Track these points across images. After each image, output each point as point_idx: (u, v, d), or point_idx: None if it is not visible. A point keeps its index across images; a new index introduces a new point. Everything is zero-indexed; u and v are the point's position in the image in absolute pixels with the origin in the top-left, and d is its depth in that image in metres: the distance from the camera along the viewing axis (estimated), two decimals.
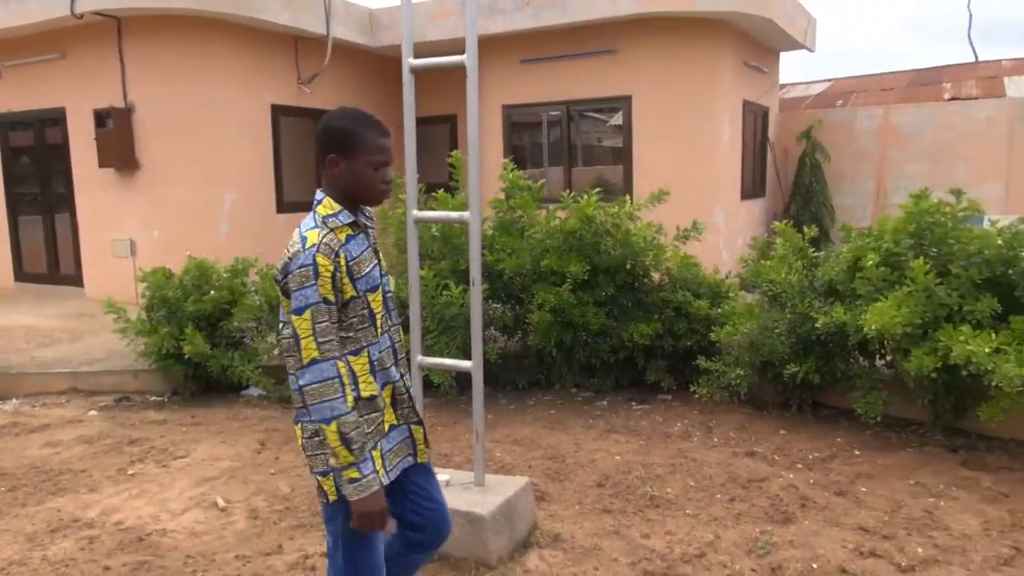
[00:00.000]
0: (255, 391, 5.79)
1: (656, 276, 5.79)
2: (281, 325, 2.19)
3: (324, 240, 2.06)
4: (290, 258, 2.06)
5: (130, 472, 4.33)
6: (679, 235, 5.71)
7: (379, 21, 10.52)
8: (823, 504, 3.70)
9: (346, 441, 2.01)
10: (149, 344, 5.68)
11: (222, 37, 8.87)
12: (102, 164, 8.70)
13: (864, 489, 3.88)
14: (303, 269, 2.02)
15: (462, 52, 3.11)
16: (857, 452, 4.39)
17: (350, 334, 2.12)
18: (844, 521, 3.52)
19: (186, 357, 5.51)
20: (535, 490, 3.85)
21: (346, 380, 2.04)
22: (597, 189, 5.59)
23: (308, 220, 2.14)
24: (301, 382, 2.03)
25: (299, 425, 2.18)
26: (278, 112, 9.66)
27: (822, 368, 4.76)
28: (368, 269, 2.16)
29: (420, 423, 2.35)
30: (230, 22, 8.79)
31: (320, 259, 2.02)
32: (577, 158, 10.68)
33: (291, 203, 9.87)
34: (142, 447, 4.73)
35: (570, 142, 10.47)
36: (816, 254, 5.12)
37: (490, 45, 10.09)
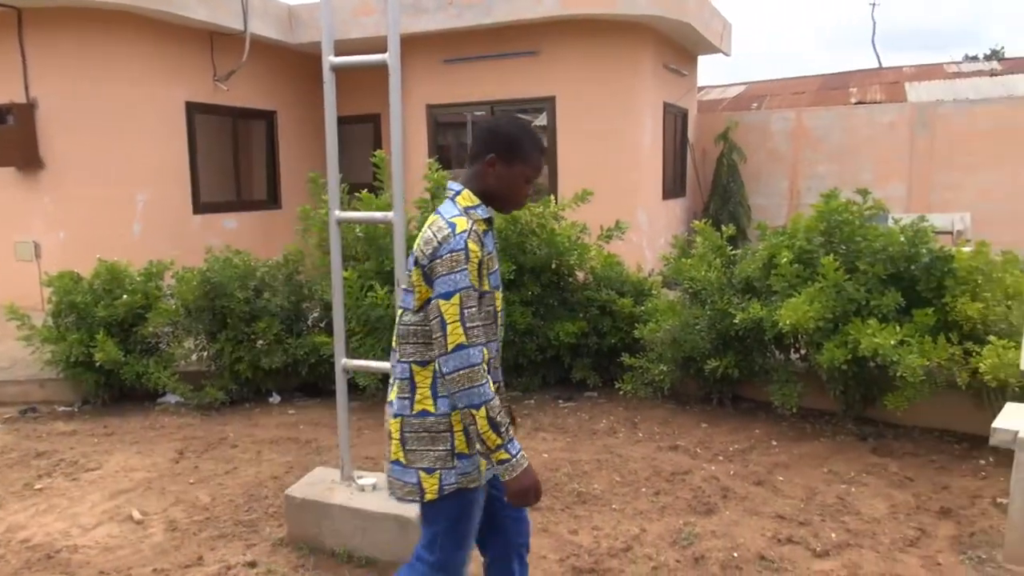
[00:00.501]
0: (172, 398, 5.59)
1: (581, 275, 5.86)
2: (400, 312, 2.16)
3: (472, 228, 2.05)
4: (439, 242, 2.02)
5: (37, 487, 4.12)
6: (603, 234, 5.80)
7: (299, 18, 10.30)
8: (743, 494, 3.82)
9: (494, 425, 2.00)
10: (56, 352, 5.43)
11: (133, 31, 8.52)
12: (1, 163, 8.24)
13: (781, 478, 4.02)
14: (455, 253, 2.00)
15: (385, 51, 3.08)
16: (774, 443, 4.55)
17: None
18: (763, 510, 3.64)
19: (97, 365, 5.28)
20: None
21: (483, 369, 2.00)
22: None
23: (449, 208, 2.12)
24: (446, 369, 1.99)
25: (398, 419, 2.15)
26: (193, 110, 9.34)
27: (741, 362, 4.91)
28: (495, 267, 2.19)
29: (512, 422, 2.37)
30: (142, 15, 8.45)
31: (471, 245, 2.02)
32: None
33: (208, 204, 9.57)
34: (50, 460, 4.51)
35: None
36: (734, 252, 5.28)
37: (413, 44, 10.01)
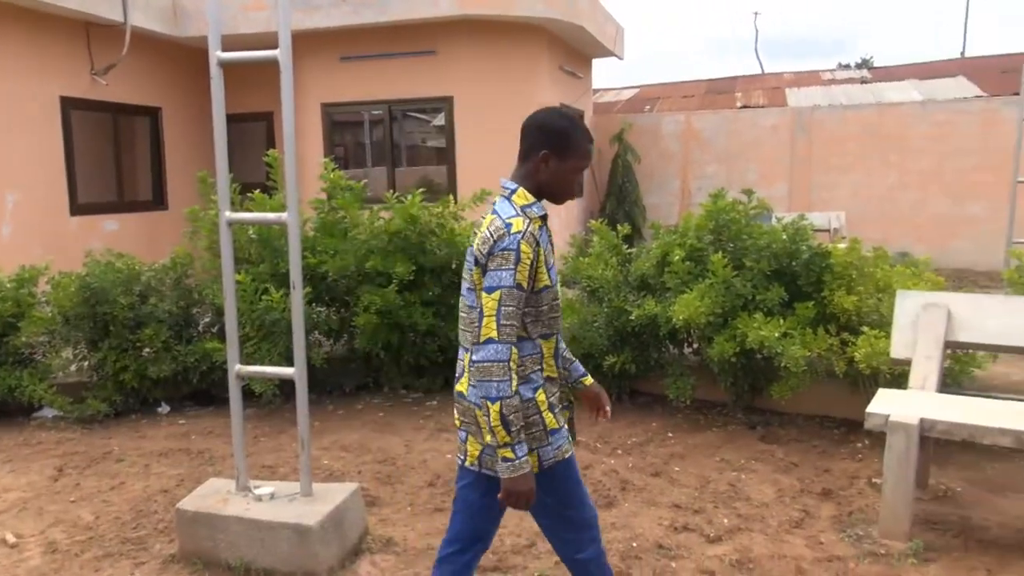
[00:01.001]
0: (50, 412, 5.25)
1: None
2: (473, 311, 2.18)
3: (529, 229, 2.09)
4: (496, 239, 2.08)
5: None
6: None
7: (184, 10, 9.88)
8: (641, 486, 3.93)
9: (506, 423, 2.03)
10: None
11: None
12: None
13: (677, 469, 4.16)
14: (506, 252, 2.06)
15: (276, 47, 3.00)
16: (670, 435, 4.70)
17: (543, 320, 2.19)
18: (660, 500, 3.76)
19: None
20: (365, 495, 3.78)
21: (513, 367, 2.05)
22: (421, 189, 5.59)
23: (505, 207, 2.16)
24: (474, 357, 2.06)
25: (462, 402, 2.23)
26: (69, 105, 8.81)
27: (637, 358, 5.05)
28: (552, 261, 2.22)
29: (571, 407, 2.43)
30: (8, 3, 7.89)
31: (524, 247, 2.07)
32: (401, 158, 10.63)
33: (87, 205, 9.05)
34: None
35: (393, 142, 10.39)
36: (630, 251, 5.42)
37: (307, 41, 9.79)
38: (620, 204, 12.32)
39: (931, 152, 11.53)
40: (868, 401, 3.47)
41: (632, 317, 4.79)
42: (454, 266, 5.61)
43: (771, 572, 3.06)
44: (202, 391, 5.52)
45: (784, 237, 4.73)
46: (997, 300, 3.89)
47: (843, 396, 4.65)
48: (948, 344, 3.88)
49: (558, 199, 2.27)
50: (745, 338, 4.34)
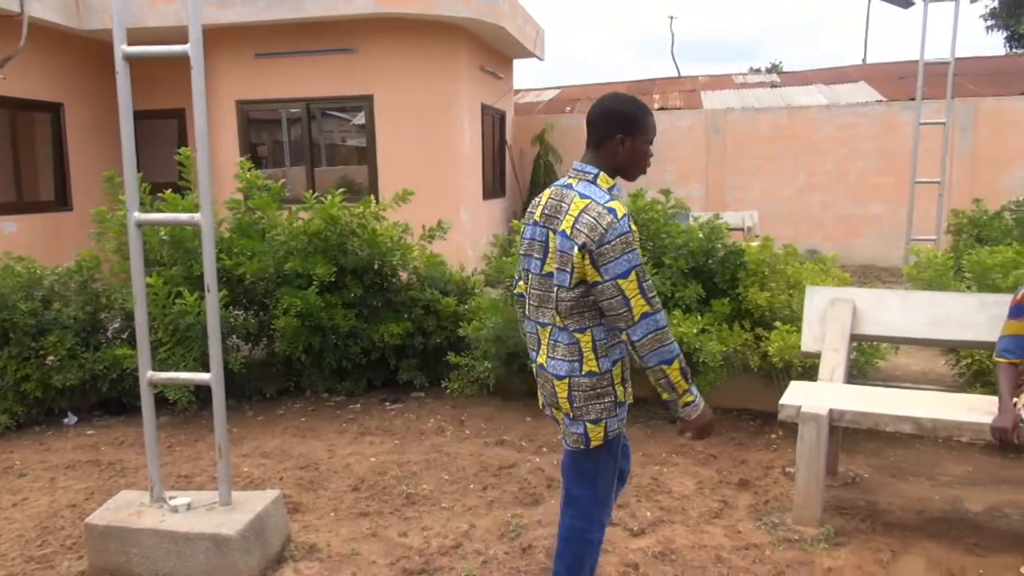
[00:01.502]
0: None
1: (404, 275, 5.83)
2: (561, 290, 2.31)
3: (627, 209, 2.27)
4: (605, 228, 2.19)
5: None
6: (425, 234, 5.80)
7: (87, 1, 9.43)
8: None
9: (684, 374, 2.28)
10: None
11: None
12: None
13: None
14: (624, 236, 2.21)
15: (187, 41, 2.89)
16: None
17: None
18: None
19: None
20: (288, 502, 3.70)
21: (670, 329, 2.26)
22: (341, 189, 5.50)
23: (595, 191, 2.29)
24: (635, 336, 2.22)
25: (564, 380, 2.37)
26: None
27: None
28: None
29: None
30: None
31: (632, 226, 2.25)
32: (320, 157, 10.44)
33: None
34: None
35: (312, 141, 10.19)
36: None
37: (220, 36, 9.51)
38: None
39: (836, 154, 12.06)
40: (782, 393, 3.60)
41: None
42: (376, 267, 5.54)
43: (692, 562, 3.14)
44: (112, 400, 5.28)
45: (701, 236, 4.86)
46: (897, 295, 4.10)
47: (758, 389, 4.81)
48: (854, 337, 4.07)
49: (633, 175, 2.45)
50: None
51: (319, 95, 9.92)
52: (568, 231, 2.26)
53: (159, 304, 4.78)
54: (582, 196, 2.28)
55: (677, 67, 38.53)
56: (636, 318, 2.21)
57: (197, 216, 3.04)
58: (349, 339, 5.41)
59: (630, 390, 2.45)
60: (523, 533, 3.41)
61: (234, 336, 5.41)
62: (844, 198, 12.11)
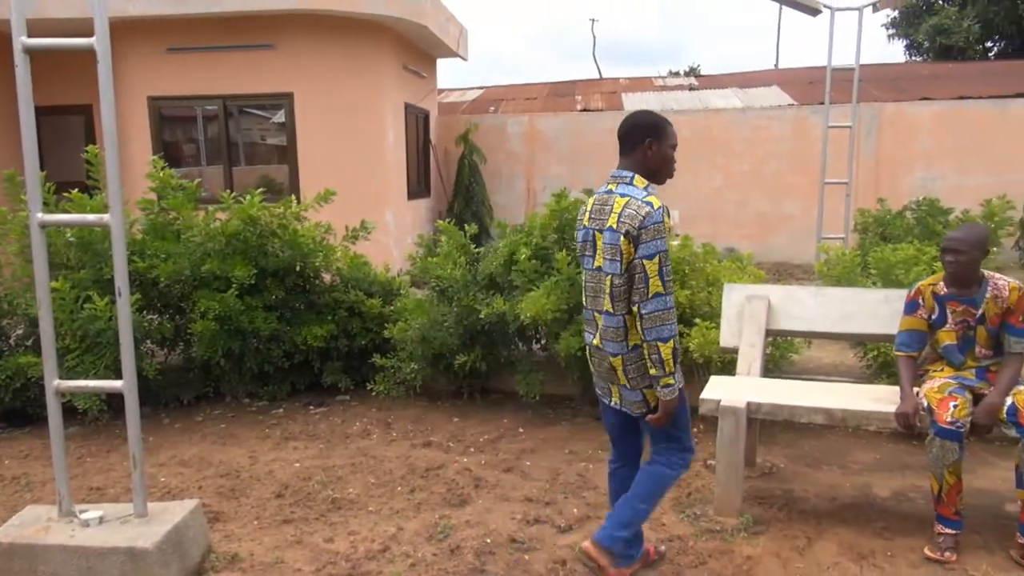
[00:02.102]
0: None
1: (327, 277, 5.73)
2: (614, 278, 2.67)
3: (662, 205, 2.62)
4: (643, 216, 2.59)
5: None
6: (348, 235, 5.71)
7: None
8: (494, 482, 3.99)
9: (675, 356, 2.63)
10: None
11: None
12: None
13: (528, 463, 4.25)
14: (657, 224, 2.59)
15: (93, 33, 2.77)
16: (521, 430, 4.80)
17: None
18: (512, 495, 3.82)
19: None
20: (208, 511, 3.59)
21: (673, 312, 2.62)
22: (261, 189, 5.36)
23: (634, 190, 2.68)
24: (644, 311, 2.59)
25: (618, 357, 2.74)
26: None
27: (488, 356, 5.11)
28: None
29: None
30: None
31: (666, 218, 2.61)
32: (238, 156, 10.15)
33: None
34: None
35: (229, 139, 9.90)
36: (478, 250, 5.48)
37: (130, 28, 9.14)
38: (468, 204, 12.41)
39: (752, 155, 12.47)
40: (703, 388, 3.70)
41: (481, 316, 4.84)
42: (298, 268, 5.43)
43: None
44: (16, 410, 5.01)
45: None
46: (809, 291, 4.27)
47: None
48: (769, 332, 4.22)
49: (662, 178, 2.80)
50: None
51: (237, 92, 9.64)
52: (614, 226, 2.65)
53: (66, 309, 4.56)
54: (622, 196, 2.68)
55: (599, 69, 39.12)
56: (649, 295, 2.59)
57: (106, 217, 2.92)
58: (271, 342, 5.29)
59: (670, 366, 2.66)
60: (452, 534, 3.40)
61: (148, 341, 5.21)
62: (759, 198, 12.52)
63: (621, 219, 2.62)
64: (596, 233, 2.74)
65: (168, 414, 5.23)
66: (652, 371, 2.64)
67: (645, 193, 2.66)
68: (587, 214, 2.81)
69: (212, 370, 5.35)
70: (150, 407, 5.21)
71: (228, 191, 5.49)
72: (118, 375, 3.22)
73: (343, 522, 3.55)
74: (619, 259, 2.64)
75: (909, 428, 3.22)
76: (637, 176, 2.72)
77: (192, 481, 4.07)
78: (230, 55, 9.48)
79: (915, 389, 3.36)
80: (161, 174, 5.34)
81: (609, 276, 2.69)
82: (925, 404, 3.24)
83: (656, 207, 2.60)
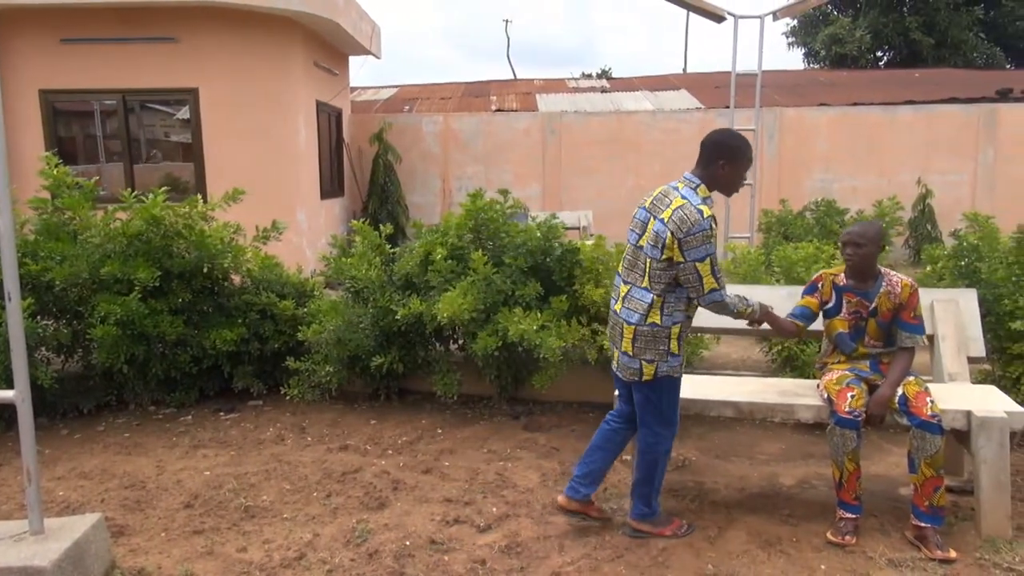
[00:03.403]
0: None
1: (237, 279, 5.56)
2: (652, 261, 3.09)
3: (712, 213, 3.02)
4: (693, 223, 2.97)
5: None
6: (259, 235, 5.55)
7: None
8: (412, 484, 3.96)
9: (740, 311, 3.24)
10: None
11: None
12: None
13: (447, 464, 4.24)
14: (704, 232, 2.97)
15: None
16: (440, 431, 4.78)
17: None
18: (431, 496, 3.81)
19: None
20: (111, 525, 3.43)
21: (734, 297, 3.17)
22: (165, 188, 5.15)
23: (693, 196, 3.05)
24: (703, 303, 3.11)
25: (631, 327, 3.13)
26: None
27: (405, 357, 5.07)
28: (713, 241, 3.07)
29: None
30: None
31: (712, 226, 3.01)
32: (140, 153, 9.72)
33: None
34: None
35: (130, 135, 9.48)
36: (393, 250, 5.42)
37: (18, 17, 8.64)
38: (383, 203, 12.27)
39: (662, 156, 12.80)
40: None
41: (398, 316, 4.80)
42: (206, 270, 5.24)
43: (537, 553, 3.22)
44: None
45: (539, 235, 4.99)
46: None
47: (597, 382, 5.01)
48: None
49: (726, 193, 3.24)
50: (507, 332, 4.53)
51: (137, 86, 9.23)
52: (666, 220, 3.02)
53: None
54: (683, 197, 3.05)
55: (513, 70, 39.34)
56: (706, 291, 3.05)
57: None
58: (177, 347, 5.09)
59: (684, 346, 3.15)
60: (370, 538, 3.36)
61: (43, 348, 4.93)
62: None
63: (673, 218, 3.00)
64: (652, 218, 3.11)
65: (67, 424, 4.96)
66: (742, 315, 3.24)
67: (700, 201, 3.02)
68: (650, 199, 3.19)
69: (114, 377, 5.10)
70: (46, 417, 4.94)
71: (129, 190, 5.25)
72: (9, 384, 3.04)
73: (257, 531, 3.46)
74: (660, 248, 3.04)
75: (789, 333, 3.64)
76: (703, 185, 3.10)
77: (94, 494, 3.88)
78: (129, 47, 9.07)
79: (818, 383, 3.53)
80: (55, 171, 5.06)
81: (650, 259, 3.09)
82: (825, 396, 3.40)
83: (705, 216, 2.98)
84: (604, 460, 3.42)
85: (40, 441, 3.01)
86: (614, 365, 3.27)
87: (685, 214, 2.98)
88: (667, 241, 3.01)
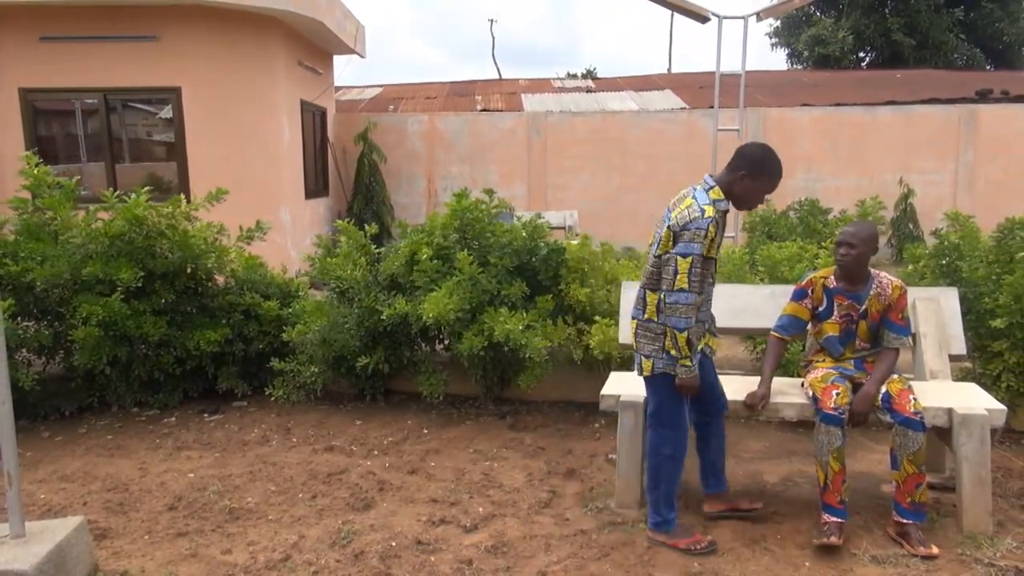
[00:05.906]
0: None
1: (221, 279, 5.52)
2: (651, 258, 3.16)
3: (715, 216, 3.02)
4: (691, 219, 2.99)
5: None
6: (243, 235, 5.52)
7: None
8: (398, 485, 3.95)
9: (689, 343, 3.07)
10: None
11: None
12: None
13: (433, 464, 4.24)
14: (698, 231, 2.97)
15: None
16: (426, 431, 4.77)
17: (705, 280, 3.10)
18: (417, 496, 3.80)
19: None
20: (94, 528, 3.40)
21: (694, 309, 3.03)
22: (147, 188, 5.11)
23: (702, 195, 3.07)
24: (668, 300, 3.03)
25: (634, 322, 3.25)
26: None
27: (390, 357, 5.06)
28: (720, 242, 3.12)
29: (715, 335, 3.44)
30: None
31: (711, 228, 2.99)
32: (123, 153, 9.63)
33: None
34: None
35: (112, 135, 9.38)
36: (378, 250, 5.41)
37: None
38: (368, 203, 12.22)
39: (647, 156, 12.84)
40: (603, 384, 3.78)
41: (383, 316, 4.79)
42: (189, 270, 5.21)
43: (523, 553, 3.22)
44: None
45: (524, 235, 5.00)
46: None
47: (582, 381, 5.03)
48: None
49: (740, 207, 3.15)
50: (492, 332, 4.53)
51: (119, 85, 9.15)
52: (671, 218, 3.06)
53: None
54: (693, 197, 3.07)
55: (498, 70, 39.32)
56: (674, 288, 3.01)
57: None
58: (161, 348, 5.05)
59: (685, 351, 3.07)
60: (355, 539, 3.35)
61: (24, 350, 4.88)
62: (655, 198, 12.89)
63: (679, 216, 3.03)
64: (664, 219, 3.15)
65: (48, 427, 4.91)
66: (672, 352, 3.08)
67: (707, 201, 3.03)
68: (672, 201, 3.22)
69: (96, 379, 5.06)
70: (27, 420, 4.89)
71: (111, 189, 5.21)
72: None
73: (241, 532, 3.44)
74: (658, 244, 3.10)
75: (751, 410, 3.49)
76: (717, 188, 3.09)
77: (76, 497, 3.84)
78: (110, 46, 8.98)
79: (802, 380, 3.55)
80: (35, 171, 5.01)
81: (652, 257, 3.16)
82: (810, 393, 3.42)
83: (706, 216, 2.98)
84: (708, 455, 3.54)
85: (21, 444, 2.97)
86: (647, 373, 3.27)
87: (688, 211, 3.02)
88: (663, 236, 3.08)
